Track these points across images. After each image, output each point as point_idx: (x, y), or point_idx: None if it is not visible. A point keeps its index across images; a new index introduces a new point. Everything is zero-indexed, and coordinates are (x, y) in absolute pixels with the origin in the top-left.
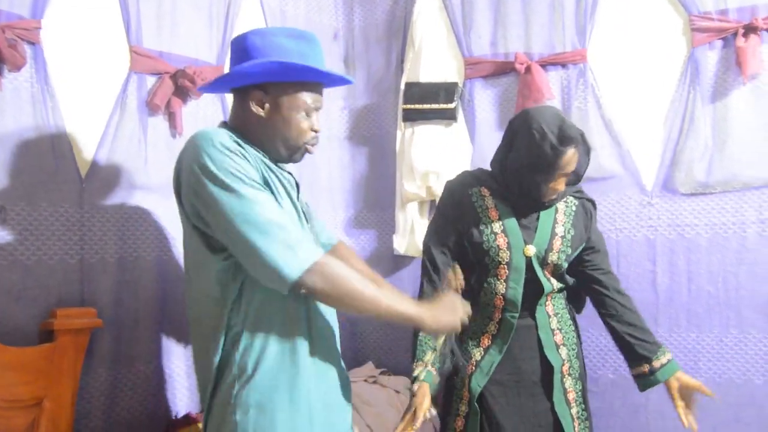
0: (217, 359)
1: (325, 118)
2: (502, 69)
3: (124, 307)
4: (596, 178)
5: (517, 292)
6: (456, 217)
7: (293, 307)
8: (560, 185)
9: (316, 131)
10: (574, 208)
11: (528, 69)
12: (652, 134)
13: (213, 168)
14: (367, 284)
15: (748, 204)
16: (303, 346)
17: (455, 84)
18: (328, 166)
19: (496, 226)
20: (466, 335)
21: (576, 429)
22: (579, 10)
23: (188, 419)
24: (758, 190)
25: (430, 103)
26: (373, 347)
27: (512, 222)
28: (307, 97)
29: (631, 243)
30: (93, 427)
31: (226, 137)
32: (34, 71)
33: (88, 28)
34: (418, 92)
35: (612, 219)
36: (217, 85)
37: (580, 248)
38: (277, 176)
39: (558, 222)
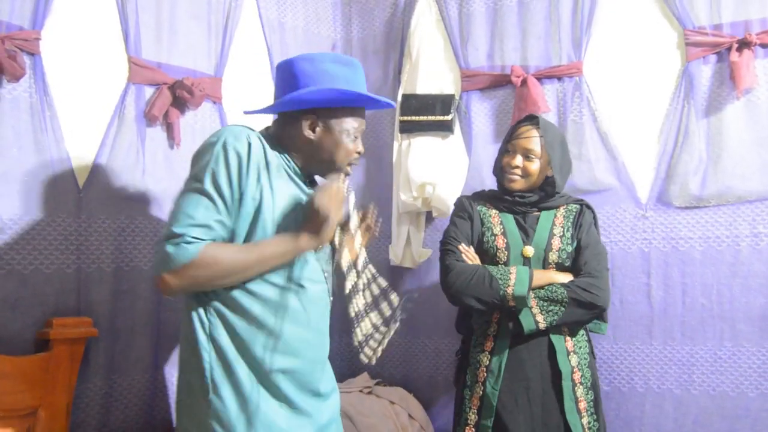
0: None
1: None
2: (499, 81)
3: (120, 317)
4: (591, 190)
5: None
6: (468, 224)
7: (260, 312)
8: (515, 161)
9: (359, 153)
10: (574, 210)
11: (524, 82)
12: (647, 147)
13: (199, 160)
14: (234, 256)
15: (742, 218)
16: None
17: (452, 96)
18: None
19: (497, 229)
20: (474, 345)
21: None
22: (575, 23)
23: None
24: (752, 203)
25: (427, 115)
26: None
27: (512, 225)
28: (354, 122)
29: (626, 255)
30: None
31: (240, 139)
32: (33, 82)
33: (87, 39)
34: (415, 104)
35: (607, 231)
36: (270, 109)
37: (575, 245)
38: (292, 191)
39: (556, 224)
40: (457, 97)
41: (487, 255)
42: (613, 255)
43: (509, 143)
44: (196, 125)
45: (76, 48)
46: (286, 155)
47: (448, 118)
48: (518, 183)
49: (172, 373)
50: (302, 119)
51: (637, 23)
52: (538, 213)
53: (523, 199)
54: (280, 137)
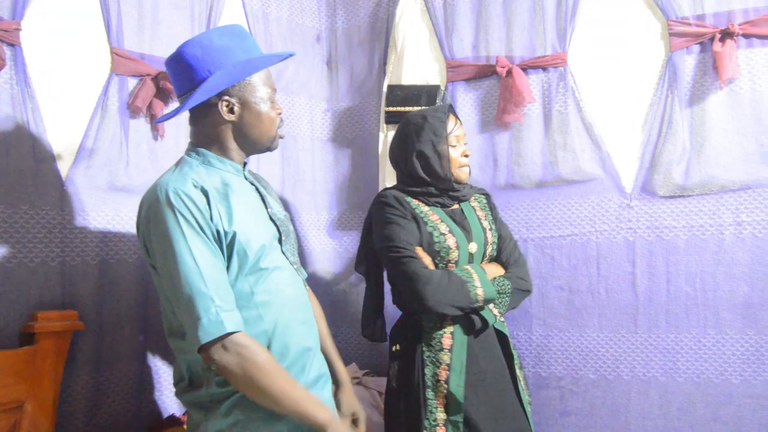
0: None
1: (308, 120)
2: (484, 72)
3: (105, 310)
4: (576, 180)
5: None
6: (414, 224)
7: (251, 322)
8: (466, 151)
9: (280, 113)
10: (485, 201)
11: (509, 72)
12: (631, 137)
13: (161, 223)
14: (278, 378)
15: (725, 206)
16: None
17: (437, 87)
18: (312, 167)
19: (443, 227)
20: (428, 345)
21: (529, 413)
22: (559, 13)
23: (172, 421)
24: (735, 192)
25: (413, 105)
26: (356, 348)
27: (451, 222)
28: (265, 86)
29: (611, 245)
30: (75, 430)
31: (181, 184)
32: (14, 73)
33: (69, 30)
34: (401, 95)
35: (592, 221)
36: (185, 107)
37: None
38: (242, 196)
39: (480, 217)
40: (442, 88)
41: (439, 255)
42: (599, 244)
43: (450, 136)
44: (180, 116)
45: (57, 38)
46: (217, 158)
47: None
48: (468, 174)
49: (159, 365)
50: (217, 105)
51: (621, 13)
52: (458, 206)
53: (457, 192)
54: (204, 139)
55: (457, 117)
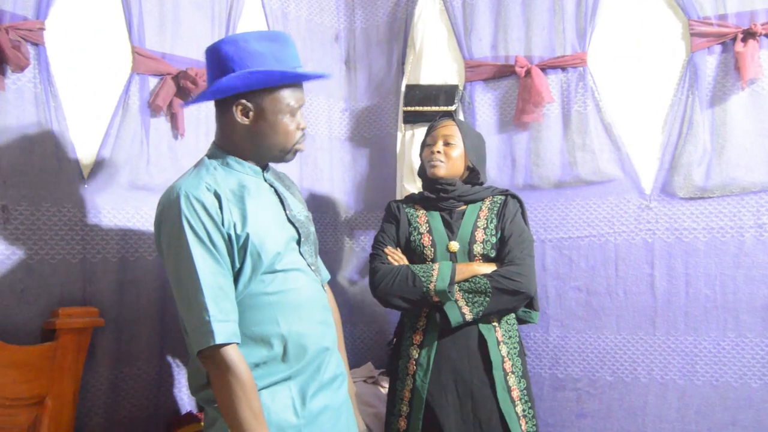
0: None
1: (326, 120)
2: (503, 72)
3: (125, 307)
4: (595, 181)
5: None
6: (394, 227)
7: (267, 322)
8: (436, 147)
9: (303, 129)
10: (498, 202)
11: (528, 72)
12: (651, 138)
13: (170, 226)
14: (247, 404)
15: (746, 208)
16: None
17: (455, 86)
18: (330, 167)
19: (423, 228)
20: (406, 339)
21: (523, 427)
22: (579, 13)
23: (189, 417)
24: (756, 194)
25: (431, 105)
26: (372, 348)
27: (438, 223)
28: (289, 99)
29: (630, 246)
30: (94, 425)
31: (194, 188)
32: (37, 72)
33: (91, 29)
34: (419, 94)
35: (611, 222)
36: (200, 99)
37: (499, 235)
38: (259, 198)
39: (480, 217)
40: (460, 88)
41: (415, 253)
42: (617, 246)
43: (428, 137)
44: (200, 115)
45: (80, 38)
46: (236, 160)
47: (452, 108)
48: (441, 169)
49: (177, 362)
50: (233, 106)
51: (642, 13)
52: (465, 207)
53: (448, 193)
54: (221, 137)
55: (451, 117)
